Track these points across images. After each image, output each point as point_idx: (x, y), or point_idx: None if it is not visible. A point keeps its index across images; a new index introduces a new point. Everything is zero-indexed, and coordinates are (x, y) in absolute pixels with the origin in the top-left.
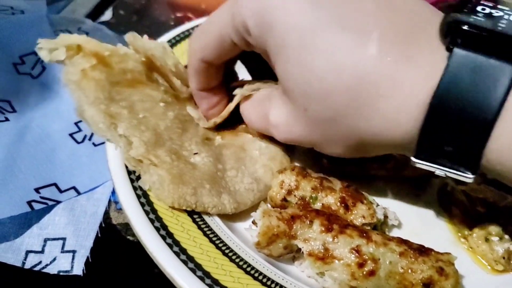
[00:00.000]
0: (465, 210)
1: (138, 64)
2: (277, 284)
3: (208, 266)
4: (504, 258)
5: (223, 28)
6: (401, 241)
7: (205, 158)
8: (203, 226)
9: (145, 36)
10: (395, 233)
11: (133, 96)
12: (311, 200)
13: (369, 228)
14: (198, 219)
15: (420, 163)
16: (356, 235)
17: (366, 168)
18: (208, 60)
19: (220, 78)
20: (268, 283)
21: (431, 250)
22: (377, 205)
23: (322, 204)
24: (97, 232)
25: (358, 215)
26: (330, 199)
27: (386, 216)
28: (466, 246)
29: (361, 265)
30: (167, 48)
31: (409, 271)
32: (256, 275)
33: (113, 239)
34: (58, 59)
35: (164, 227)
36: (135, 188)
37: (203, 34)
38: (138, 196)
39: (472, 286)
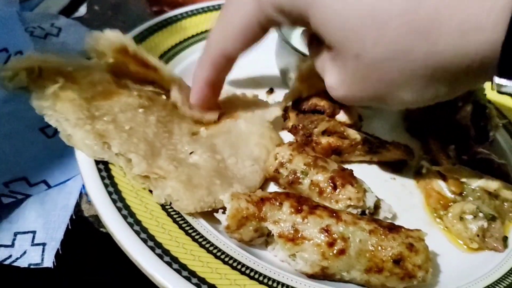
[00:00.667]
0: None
1: (104, 74)
2: (247, 267)
3: (176, 252)
4: (478, 236)
5: (248, 16)
6: (371, 220)
7: (202, 154)
8: (172, 213)
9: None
10: (406, 221)
11: (113, 108)
12: (301, 175)
13: (355, 212)
14: (167, 207)
15: (505, 85)
16: (325, 215)
17: (342, 154)
18: (229, 51)
19: (229, 71)
20: (239, 267)
21: (401, 227)
22: (372, 193)
23: (311, 180)
24: (68, 224)
25: (345, 196)
26: (319, 177)
27: (378, 207)
28: (442, 226)
29: (331, 244)
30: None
31: (379, 248)
32: (227, 259)
33: (85, 231)
34: (21, 85)
35: (132, 214)
36: (102, 178)
37: (223, 28)
38: (106, 185)
39: (449, 265)
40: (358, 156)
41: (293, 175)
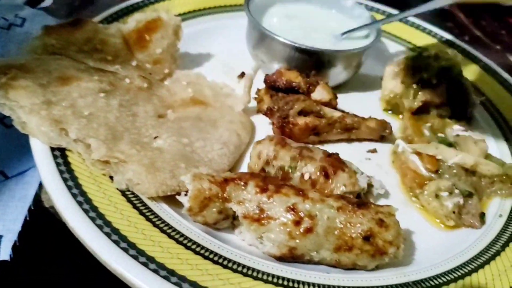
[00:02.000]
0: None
1: (62, 61)
2: (211, 252)
3: (134, 237)
4: (454, 212)
5: None
6: (339, 197)
7: (167, 139)
8: (133, 199)
9: None
10: (381, 202)
11: (71, 93)
12: (290, 170)
13: (351, 196)
14: (128, 192)
15: None
16: (292, 193)
17: (321, 133)
18: None
19: None
20: (202, 251)
21: (371, 203)
22: (362, 173)
23: (302, 173)
24: (26, 215)
25: (339, 183)
26: (310, 168)
27: (371, 185)
28: (418, 205)
29: (297, 223)
30: None
31: (348, 225)
32: (189, 244)
33: (44, 222)
34: None
35: (88, 200)
36: (58, 164)
37: None
38: (61, 172)
39: (425, 243)
40: (336, 135)
41: (281, 172)
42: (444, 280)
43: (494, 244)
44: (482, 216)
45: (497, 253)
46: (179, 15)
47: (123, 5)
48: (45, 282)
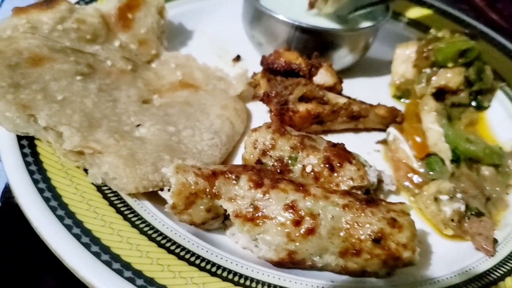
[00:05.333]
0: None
1: (33, 41)
2: (198, 256)
3: (109, 240)
4: (453, 220)
5: None
6: (346, 193)
7: (151, 128)
8: (110, 195)
9: None
10: (391, 199)
11: (43, 76)
12: (289, 161)
13: (359, 192)
14: (105, 188)
15: None
16: (291, 189)
17: (324, 122)
18: None
19: None
20: (187, 256)
21: (381, 200)
22: (370, 166)
23: (303, 165)
24: None
25: (346, 177)
26: (312, 159)
27: (380, 180)
28: (415, 206)
29: (297, 223)
30: None
31: (355, 225)
32: (173, 248)
33: (13, 220)
34: None
35: (57, 197)
36: (24, 155)
37: None
38: (28, 164)
39: (438, 249)
40: (342, 124)
41: (279, 164)
42: None
43: None
44: (495, 241)
45: None
46: None
47: None
48: None
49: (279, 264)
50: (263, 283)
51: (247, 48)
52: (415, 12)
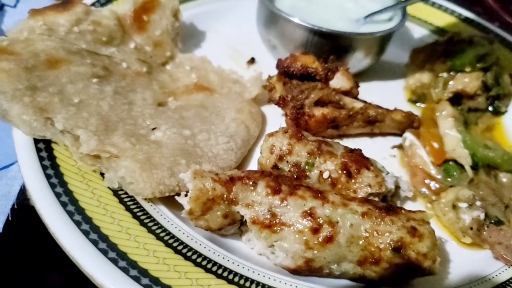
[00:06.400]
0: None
1: (50, 43)
2: (215, 263)
3: (126, 246)
4: (472, 228)
5: None
6: (364, 201)
7: (167, 131)
8: (126, 199)
9: None
10: (408, 206)
11: (60, 78)
12: (306, 167)
13: (376, 199)
14: (121, 192)
15: None
16: (309, 196)
17: (340, 127)
18: None
19: None
20: (204, 263)
21: (401, 208)
22: (387, 173)
23: (320, 171)
24: (8, 215)
25: (363, 183)
26: (329, 165)
27: (397, 186)
28: (433, 213)
29: (315, 230)
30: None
31: (375, 233)
32: (189, 254)
33: (29, 222)
34: None
35: (74, 201)
36: (41, 159)
37: None
38: (45, 167)
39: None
40: (357, 128)
41: (296, 169)
42: None
43: None
44: None
45: None
46: None
47: None
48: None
49: (296, 272)
50: None
51: (261, 50)
52: (432, 15)
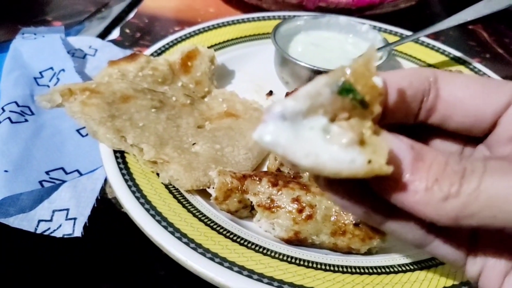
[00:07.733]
0: None
1: (123, 84)
2: (236, 235)
3: (179, 224)
4: None
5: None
6: None
7: (203, 145)
8: (174, 192)
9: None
10: None
11: (129, 109)
12: (300, 170)
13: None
14: (170, 186)
15: None
16: (297, 188)
17: None
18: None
19: None
20: (230, 235)
21: None
22: None
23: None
24: (94, 204)
25: None
26: None
27: None
28: None
29: (300, 211)
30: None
31: (341, 213)
32: (219, 229)
33: (107, 210)
34: (57, 103)
35: (143, 195)
36: (119, 163)
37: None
38: (121, 169)
39: None
40: None
41: (293, 172)
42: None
43: None
44: None
45: None
46: (216, 44)
47: (168, 39)
48: (107, 257)
49: (289, 242)
50: (279, 253)
51: (278, 85)
52: (417, 51)
